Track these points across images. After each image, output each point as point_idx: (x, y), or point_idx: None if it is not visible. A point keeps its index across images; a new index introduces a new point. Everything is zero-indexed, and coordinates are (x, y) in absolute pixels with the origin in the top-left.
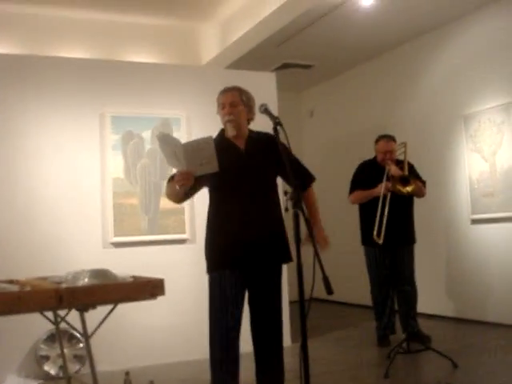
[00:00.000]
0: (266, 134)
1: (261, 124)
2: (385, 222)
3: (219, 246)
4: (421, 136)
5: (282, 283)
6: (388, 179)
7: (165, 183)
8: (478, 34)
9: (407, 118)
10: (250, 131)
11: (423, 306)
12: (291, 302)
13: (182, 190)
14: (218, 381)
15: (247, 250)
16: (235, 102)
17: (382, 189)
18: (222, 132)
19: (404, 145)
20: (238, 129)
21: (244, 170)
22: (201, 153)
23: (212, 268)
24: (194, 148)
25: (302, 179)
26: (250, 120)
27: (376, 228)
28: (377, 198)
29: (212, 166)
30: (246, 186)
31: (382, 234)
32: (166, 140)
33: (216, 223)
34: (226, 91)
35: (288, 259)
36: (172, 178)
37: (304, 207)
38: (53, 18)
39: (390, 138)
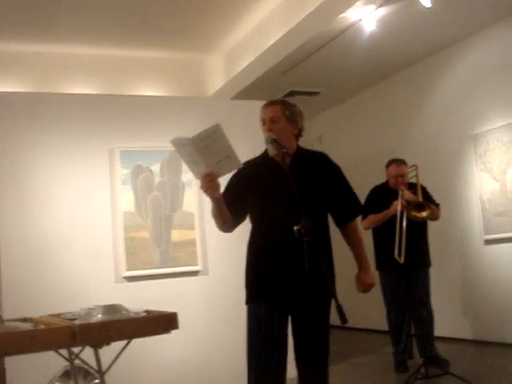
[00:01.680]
0: (318, 153)
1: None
2: (404, 240)
3: (253, 278)
4: (430, 157)
5: (327, 316)
6: (402, 205)
7: (175, 215)
8: (484, 54)
9: (416, 141)
10: (300, 148)
11: (440, 328)
12: None
13: (215, 205)
14: None
15: (280, 286)
16: (276, 117)
17: (396, 208)
18: (266, 150)
19: (415, 167)
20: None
21: (284, 193)
22: (214, 146)
23: (248, 299)
24: (203, 140)
25: (346, 209)
26: (297, 136)
27: (396, 246)
28: (390, 223)
29: (233, 162)
30: (284, 211)
31: (403, 251)
32: (179, 143)
33: (251, 252)
34: (268, 105)
35: (326, 298)
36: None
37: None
38: (59, 54)
39: (401, 162)
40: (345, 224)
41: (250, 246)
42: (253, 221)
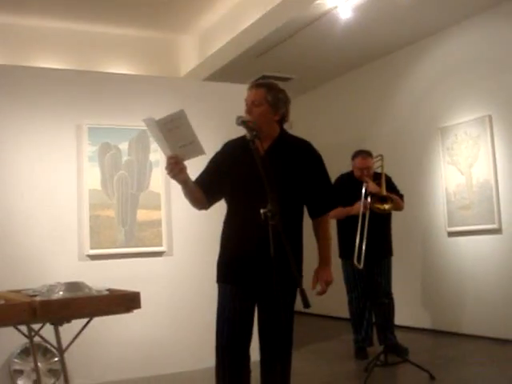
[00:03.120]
0: (301, 141)
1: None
2: (364, 244)
3: (224, 259)
4: (398, 148)
5: (292, 303)
6: (366, 196)
7: (142, 195)
8: (455, 48)
9: (385, 131)
10: (284, 134)
11: (400, 318)
12: None
13: (181, 185)
14: None
15: (248, 269)
16: (257, 101)
17: (359, 209)
18: None
19: (381, 158)
20: (257, 131)
21: (257, 176)
22: (177, 131)
23: (217, 279)
24: (167, 124)
25: (320, 202)
26: (280, 122)
27: (356, 252)
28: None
29: (196, 148)
30: (259, 194)
31: (362, 258)
32: (148, 123)
33: (224, 233)
34: (252, 88)
35: (294, 286)
36: None
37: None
38: (31, 27)
39: (367, 155)
40: (319, 216)
41: (224, 227)
42: (227, 202)
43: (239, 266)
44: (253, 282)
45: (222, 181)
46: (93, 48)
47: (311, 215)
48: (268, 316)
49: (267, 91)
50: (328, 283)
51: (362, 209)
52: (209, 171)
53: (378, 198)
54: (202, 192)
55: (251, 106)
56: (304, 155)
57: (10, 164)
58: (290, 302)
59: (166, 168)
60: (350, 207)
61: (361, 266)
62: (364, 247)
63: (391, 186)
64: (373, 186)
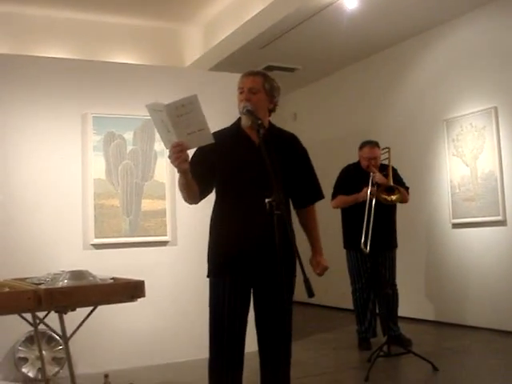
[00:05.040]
0: (288, 133)
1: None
2: (371, 229)
3: (219, 251)
4: (403, 140)
5: (293, 291)
6: (372, 186)
7: (146, 185)
8: (461, 39)
9: (390, 122)
10: (272, 125)
11: (404, 309)
12: None
13: (182, 176)
14: None
15: (246, 260)
16: (255, 89)
17: (366, 194)
18: (239, 121)
19: (388, 150)
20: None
21: (254, 167)
22: (188, 117)
23: (211, 273)
24: (178, 109)
25: (307, 193)
26: (270, 111)
27: (363, 237)
28: (359, 203)
29: (205, 136)
30: (253, 184)
31: (369, 242)
32: (154, 108)
33: (217, 224)
34: (248, 75)
35: (291, 275)
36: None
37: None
38: (35, 17)
39: (375, 145)
40: (303, 207)
41: (216, 219)
42: (220, 193)
43: (242, 255)
44: (254, 272)
45: (213, 173)
46: (98, 37)
47: (297, 206)
48: (269, 306)
49: (264, 79)
50: (326, 268)
51: (369, 193)
52: (199, 164)
53: (385, 189)
54: (196, 184)
55: (248, 93)
56: (291, 147)
57: (15, 153)
58: (292, 290)
59: (171, 156)
60: (357, 194)
61: (367, 251)
62: (370, 232)
63: (397, 179)
64: (379, 177)
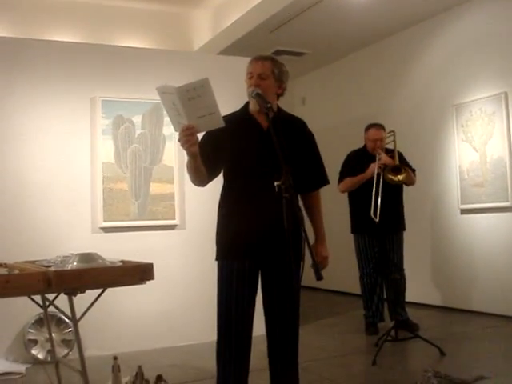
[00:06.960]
0: (296, 118)
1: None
2: (380, 200)
3: (227, 234)
4: (412, 125)
5: (301, 275)
6: (379, 167)
7: (155, 169)
8: (470, 23)
9: (399, 107)
10: (280, 110)
11: (411, 294)
12: None
13: (191, 159)
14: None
15: (255, 242)
16: (265, 74)
17: (374, 170)
18: (247, 105)
19: (393, 133)
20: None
21: (262, 150)
22: (199, 100)
23: (219, 256)
24: (189, 92)
25: (313, 178)
26: (279, 96)
27: (372, 206)
28: (365, 186)
29: (215, 120)
30: (261, 168)
31: (378, 211)
32: (165, 91)
33: (225, 208)
34: (258, 60)
35: (298, 258)
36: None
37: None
38: (46, 0)
39: (380, 127)
40: (308, 192)
41: (224, 202)
42: (227, 177)
43: (251, 237)
44: (262, 255)
45: (222, 155)
46: (107, 21)
47: (304, 190)
48: (277, 289)
49: (273, 64)
50: (326, 258)
51: (376, 168)
52: (207, 147)
53: (392, 169)
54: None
55: (258, 78)
56: (299, 132)
57: (23, 137)
58: (300, 274)
59: (181, 139)
60: (363, 173)
61: (377, 219)
62: (380, 205)
63: (403, 161)
64: (386, 158)
